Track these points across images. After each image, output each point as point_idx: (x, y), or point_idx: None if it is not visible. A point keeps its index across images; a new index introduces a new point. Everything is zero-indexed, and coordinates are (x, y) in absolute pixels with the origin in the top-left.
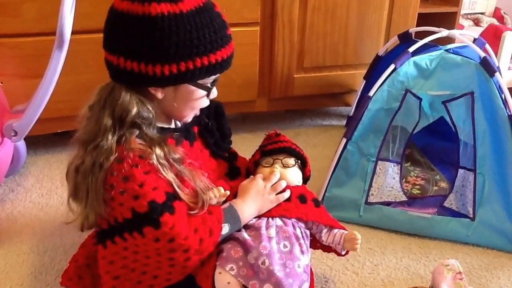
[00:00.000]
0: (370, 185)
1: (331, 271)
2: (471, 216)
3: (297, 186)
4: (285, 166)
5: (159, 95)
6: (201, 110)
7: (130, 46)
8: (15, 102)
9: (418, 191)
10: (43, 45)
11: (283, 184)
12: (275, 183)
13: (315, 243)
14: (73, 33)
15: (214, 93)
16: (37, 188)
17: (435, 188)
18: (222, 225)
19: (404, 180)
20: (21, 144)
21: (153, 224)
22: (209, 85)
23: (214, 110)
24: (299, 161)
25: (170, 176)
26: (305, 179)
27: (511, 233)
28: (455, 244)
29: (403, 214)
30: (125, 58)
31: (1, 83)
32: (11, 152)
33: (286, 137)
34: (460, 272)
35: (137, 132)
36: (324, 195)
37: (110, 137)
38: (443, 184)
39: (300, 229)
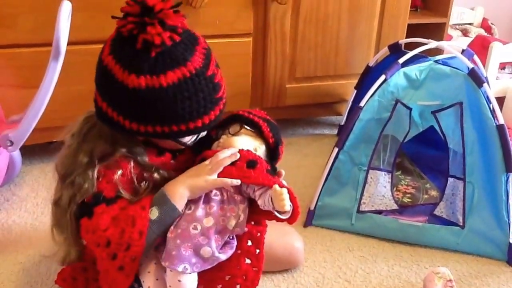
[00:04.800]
0: (362, 194)
1: (324, 279)
2: (461, 224)
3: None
4: (232, 134)
5: (141, 138)
6: None
7: (112, 99)
8: (10, 112)
9: (409, 200)
10: (38, 55)
11: (225, 162)
12: (216, 162)
13: (269, 214)
14: (68, 44)
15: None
16: (32, 198)
17: (426, 196)
18: (150, 209)
19: (395, 188)
20: (16, 154)
21: (88, 213)
22: (188, 142)
23: None
24: (251, 128)
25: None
26: (273, 150)
27: (500, 240)
28: (445, 251)
29: (394, 222)
30: (107, 105)
31: None
32: (6, 161)
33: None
34: (450, 280)
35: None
36: (316, 203)
37: (90, 174)
38: (433, 193)
39: (222, 191)
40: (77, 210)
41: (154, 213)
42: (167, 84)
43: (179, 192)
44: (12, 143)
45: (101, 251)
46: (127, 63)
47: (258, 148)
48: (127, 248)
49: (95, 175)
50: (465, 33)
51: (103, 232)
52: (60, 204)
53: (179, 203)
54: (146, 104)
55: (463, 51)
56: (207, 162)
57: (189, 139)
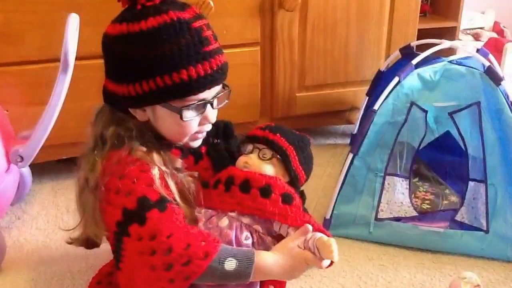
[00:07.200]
0: (379, 201)
1: None
2: (485, 228)
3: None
4: (261, 158)
5: (139, 116)
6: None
7: (108, 65)
8: (20, 129)
9: (428, 206)
10: (47, 72)
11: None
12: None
13: None
14: (75, 59)
15: (211, 116)
16: (43, 215)
17: (445, 202)
18: (229, 258)
19: (413, 195)
20: (27, 172)
21: (139, 220)
22: (190, 107)
23: (222, 129)
24: (278, 155)
25: (171, 183)
26: (297, 184)
27: None
28: (469, 258)
29: (414, 229)
30: (109, 80)
31: (7, 111)
32: (17, 179)
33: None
34: (478, 285)
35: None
36: (332, 212)
37: (93, 157)
38: (453, 198)
39: (252, 234)
40: (123, 220)
41: (231, 264)
42: (147, 28)
43: (268, 275)
44: (22, 158)
45: (157, 259)
46: (116, 19)
47: (282, 177)
48: (187, 263)
49: (100, 158)
50: (476, 37)
51: (167, 239)
52: (78, 184)
53: (256, 278)
54: (123, 54)
55: (478, 51)
56: (311, 262)
57: (188, 104)
